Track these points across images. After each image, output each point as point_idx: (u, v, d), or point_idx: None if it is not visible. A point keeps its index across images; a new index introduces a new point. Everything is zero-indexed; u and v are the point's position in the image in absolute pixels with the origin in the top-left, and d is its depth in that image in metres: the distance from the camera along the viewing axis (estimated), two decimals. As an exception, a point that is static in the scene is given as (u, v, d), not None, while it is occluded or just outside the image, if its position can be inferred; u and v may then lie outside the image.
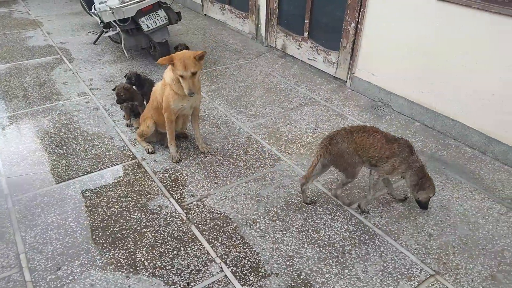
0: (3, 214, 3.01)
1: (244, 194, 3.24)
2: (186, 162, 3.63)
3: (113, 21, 5.01)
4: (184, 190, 3.28)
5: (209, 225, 2.93)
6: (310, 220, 2.99)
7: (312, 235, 2.86)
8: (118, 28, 5.09)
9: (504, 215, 3.08)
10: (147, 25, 4.97)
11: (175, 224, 2.94)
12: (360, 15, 4.50)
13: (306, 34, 5.39)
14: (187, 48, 5.26)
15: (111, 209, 3.07)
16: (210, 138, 3.98)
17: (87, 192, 3.24)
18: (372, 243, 2.80)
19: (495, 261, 2.69)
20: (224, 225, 2.94)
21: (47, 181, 3.35)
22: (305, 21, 5.33)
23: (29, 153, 3.69)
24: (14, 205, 3.09)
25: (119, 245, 2.76)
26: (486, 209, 3.15)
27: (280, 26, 5.85)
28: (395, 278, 2.55)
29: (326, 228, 2.91)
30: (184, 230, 2.89)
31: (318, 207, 3.12)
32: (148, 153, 3.73)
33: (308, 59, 5.49)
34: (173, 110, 3.41)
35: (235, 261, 2.64)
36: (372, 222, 2.98)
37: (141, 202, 3.15)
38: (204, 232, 2.87)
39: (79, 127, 4.11)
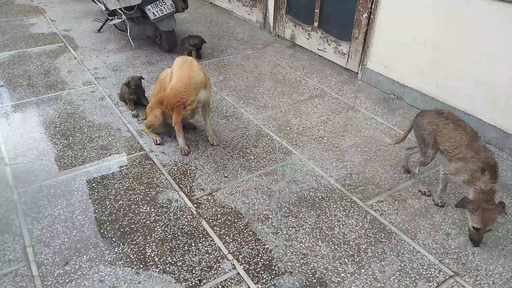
0: (9, 206, 2.93)
1: (255, 189, 3.15)
2: (195, 155, 3.54)
3: (119, 8, 4.88)
4: (193, 184, 3.19)
5: (220, 220, 2.85)
6: (323, 217, 2.91)
7: (326, 232, 2.78)
8: (123, 16, 4.97)
9: (523, 214, 3.00)
10: (154, 13, 4.84)
11: (185, 219, 2.86)
12: (373, 5, 4.37)
13: (316, 24, 5.26)
14: (202, 41, 5.15)
15: (119, 202, 2.99)
16: (219, 130, 3.89)
17: (94, 184, 3.16)
18: (388, 242, 2.72)
19: (515, 261, 2.62)
20: (236, 220, 2.86)
21: (53, 172, 3.27)
22: (315, 10, 5.19)
23: (34, 143, 3.60)
24: (20, 197, 3.01)
25: (128, 240, 2.68)
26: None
27: (289, 15, 5.72)
28: (413, 278, 2.47)
29: (341, 226, 2.83)
30: (194, 225, 2.81)
31: (332, 203, 3.04)
32: (156, 144, 3.64)
33: (318, 49, 5.36)
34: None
35: (247, 258, 2.57)
36: (388, 219, 2.90)
37: (150, 195, 3.07)
38: (215, 228, 2.79)
39: (85, 117, 4.01)
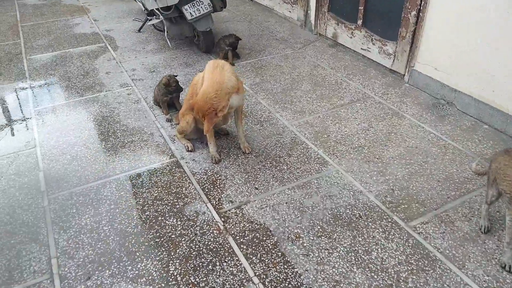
0: (39, 213, 2.93)
1: (286, 203, 2.96)
2: (225, 163, 3.40)
3: (156, 8, 4.82)
4: (222, 195, 3.06)
5: (248, 238, 2.69)
6: (360, 239, 2.67)
7: (363, 256, 2.54)
8: (161, 16, 4.90)
9: None
10: (191, 13, 4.74)
11: (211, 234, 2.73)
12: (423, 2, 4.01)
13: (360, 22, 4.94)
14: (237, 39, 5.01)
15: (146, 213, 2.91)
16: (251, 136, 3.72)
17: (123, 193, 3.10)
18: (432, 271, 2.44)
19: None
20: (264, 238, 2.69)
21: (83, 179, 3.25)
22: (359, 7, 4.88)
23: (68, 147, 3.61)
24: (50, 203, 3.01)
25: (152, 255, 2.59)
26: None
27: (331, 12, 5.43)
28: (460, 316, 2.20)
29: (379, 249, 2.59)
30: (220, 242, 2.67)
31: (370, 223, 2.79)
32: (188, 151, 3.54)
33: (362, 49, 5.05)
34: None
35: (274, 282, 2.39)
36: (432, 244, 2.62)
37: (177, 206, 2.97)
38: (242, 246, 2.64)
39: (119, 120, 3.98)
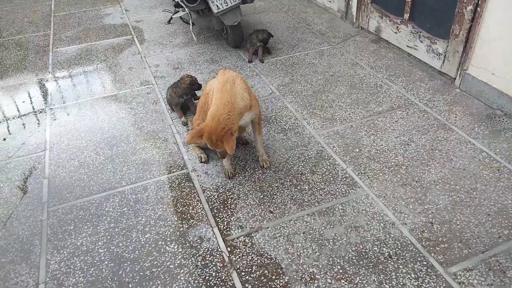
0: (36, 228, 2.73)
1: (304, 233, 2.58)
2: (240, 178, 3.05)
3: (180, 0, 4.50)
4: (232, 218, 2.71)
5: (255, 275, 2.34)
6: (388, 286, 2.24)
7: (387, 311, 2.12)
8: (186, 9, 4.57)
9: None
10: (217, 6, 4.36)
11: (213, 267, 2.40)
12: (483, -6, 3.41)
13: (406, 15, 4.36)
14: (269, 35, 4.60)
15: (146, 235, 2.63)
16: (273, 147, 3.34)
17: (125, 209, 2.84)
18: None
19: None
20: (273, 277, 2.32)
21: (87, 190, 3.02)
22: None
23: (78, 152, 3.40)
24: (48, 217, 2.80)
25: (146, 288, 2.31)
26: None
27: (375, 4, 4.86)
28: None
29: (408, 304, 2.15)
30: (223, 278, 2.34)
31: (401, 265, 2.35)
32: (201, 162, 3.22)
33: (407, 46, 4.47)
34: None
35: (278, 337, 2.04)
36: (476, 301, 2.15)
37: (181, 229, 2.66)
38: (246, 284, 2.29)
39: (135, 123, 3.73)
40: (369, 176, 2.99)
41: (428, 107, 3.70)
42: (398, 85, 4.06)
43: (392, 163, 3.09)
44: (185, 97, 3.69)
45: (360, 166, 3.09)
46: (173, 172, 3.15)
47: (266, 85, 4.19)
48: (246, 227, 2.64)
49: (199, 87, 3.80)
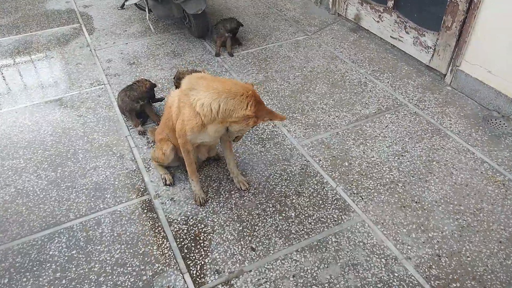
0: (-42, 283, 2.17)
1: (294, 277, 2.16)
2: (214, 204, 2.58)
3: (134, -15, 3.87)
4: (206, 260, 2.25)
5: None
6: None
7: None
8: (141, -6, 3.95)
9: None
10: (178, -9, 3.77)
11: (187, 331, 1.95)
12: (480, -18, 3.03)
13: (390, 3, 3.94)
14: (239, 25, 4.06)
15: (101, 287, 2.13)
16: (250, 162, 2.87)
17: (74, 252, 2.31)
18: None
19: None
20: None
21: (26, 227, 2.46)
22: (391, -16, 3.88)
23: (15, 175, 2.80)
24: (-25, 268, 2.24)
25: None
26: None
27: (354, -12, 4.41)
28: None
29: None
30: None
31: (410, 316, 1.98)
32: (165, 185, 2.71)
33: (391, 37, 4.07)
34: (191, 141, 2.30)
35: None
36: None
37: (144, 277, 2.18)
38: None
39: (84, 135, 3.14)
40: (363, 197, 2.60)
41: (419, 109, 3.33)
42: (384, 82, 3.67)
43: (387, 180, 2.71)
44: (141, 102, 3.13)
45: (352, 184, 2.69)
46: (132, 199, 2.63)
47: (238, 83, 3.68)
48: (224, 272, 2.19)
49: (145, 94, 3.16)
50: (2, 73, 3.91)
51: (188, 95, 2.14)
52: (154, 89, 3.25)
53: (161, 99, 3.33)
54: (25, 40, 4.44)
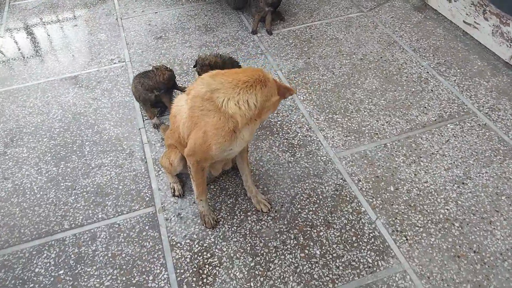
0: None
1: None
2: (225, 228, 2.19)
3: None
4: (208, 303, 1.90)
5: None
6: None
7: None
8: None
9: None
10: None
11: None
12: None
13: (470, -21, 3.19)
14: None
15: (83, 324, 1.84)
16: (274, 176, 2.43)
17: (62, 272, 2.03)
18: None
19: None
20: None
21: (17, 234, 2.21)
22: (473, -45, 3.11)
23: (14, 168, 2.54)
24: (-45, 280, 2.01)
25: None
26: None
27: (425, -43, 3.65)
28: None
29: None
30: None
31: None
32: (174, 196, 2.34)
33: (465, 22, 3.35)
34: (214, 156, 1.87)
35: None
36: None
37: (133, 316, 1.86)
38: None
39: (94, 123, 2.81)
40: (408, 238, 2.10)
41: (491, 120, 2.70)
42: (449, 80, 3.02)
43: (441, 216, 2.18)
44: (156, 93, 2.72)
45: (396, 218, 2.19)
46: (134, 210, 2.29)
47: (273, 70, 3.18)
48: (226, 322, 1.83)
49: (166, 83, 2.71)
50: (24, 39, 3.62)
51: (212, 99, 1.70)
52: (177, 75, 2.82)
53: (183, 89, 2.90)
54: (52, 3, 4.11)
